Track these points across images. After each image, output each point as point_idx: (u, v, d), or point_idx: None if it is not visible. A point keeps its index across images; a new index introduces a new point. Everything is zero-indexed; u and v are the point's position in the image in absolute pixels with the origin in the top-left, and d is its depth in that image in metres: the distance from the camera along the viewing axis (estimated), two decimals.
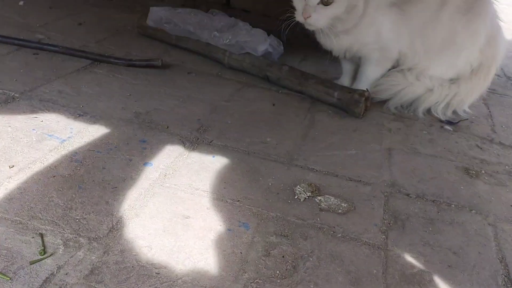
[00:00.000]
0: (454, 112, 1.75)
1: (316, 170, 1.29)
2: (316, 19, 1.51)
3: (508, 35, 3.12)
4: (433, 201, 1.23)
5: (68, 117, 1.34)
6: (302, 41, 2.25)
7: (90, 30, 2.04)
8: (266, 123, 1.51)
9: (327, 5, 1.48)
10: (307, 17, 1.50)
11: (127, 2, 2.46)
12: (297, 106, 1.67)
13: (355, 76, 1.83)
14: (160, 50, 1.95)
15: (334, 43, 1.64)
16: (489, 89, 2.08)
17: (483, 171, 1.41)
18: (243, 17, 2.28)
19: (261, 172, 1.24)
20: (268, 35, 1.91)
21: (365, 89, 1.66)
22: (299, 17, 1.54)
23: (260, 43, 1.76)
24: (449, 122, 1.68)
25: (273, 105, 1.65)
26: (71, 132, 1.27)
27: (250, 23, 2.29)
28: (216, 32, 1.76)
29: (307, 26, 1.56)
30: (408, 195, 1.24)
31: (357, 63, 1.79)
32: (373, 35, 1.62)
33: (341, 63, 1.86)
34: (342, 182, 1.25)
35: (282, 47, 1.94)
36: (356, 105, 1.61)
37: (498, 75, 2.29)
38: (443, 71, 1.73)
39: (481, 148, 1.56)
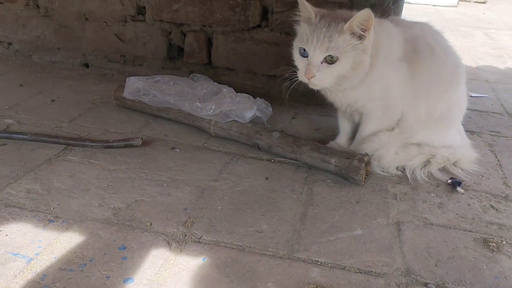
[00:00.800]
0: (461, 169, 1.62)
1: (321, 263, 1.14)
2: (320, 79, 1.39)
3: (501, 64, 3.04)
4: None
5: (37, 226, 1.19)
6: (291, 95, 2.15)
7: (63, 107, 1.91)
8: (260, 204, 1.37)
9: (331, 64, 1.37)
10: (311, 77, 1.38)
11: (105, 70, 2.34)
12: (292, 177, 1.53)
13: (353, 136, 1.70)
14: (141, 124, 1.82)
15: (339, 99, 1.52)
16: (493, 132, 1.97)
17: (504, 242, 1.27)
18: (227, 75, 2.19)
19: (259, 274, 1.09)
20: (255, 97, 1.80)
21: (365, 153, 1.53)
22: (302, 76, 1.42)
23: (247, 109, 1.64)
24: (456, 183, 1.54)
25: (266, 179, 1.51)
26: (40, 247, 1.12)
27: (235, 81, 2.19)
28: (198, 103, 1.63)
29: (311, 86, 1.45)
30: (426, 285, 1.09)
31: (355, 122, 1.67)
32: (380, 91, 1.51)
33: (338, 121, 1.74)
34: (351, 277, 1.10)
35: (271, 109, 1.82)
36: (356, 172, 1.48)
37: (500, 114, 2.18)
38: (440, 139, 1.64)
39: (496, 210, 1.42)
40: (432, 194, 1.49)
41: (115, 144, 1.59)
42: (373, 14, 1.30)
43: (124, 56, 2.32)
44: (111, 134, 1.73)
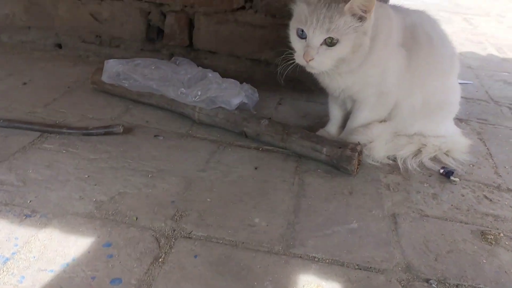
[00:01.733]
0: (453, 158, 1.59)
1: (318, 260, 1.09)
2: (319, 61, 1.32)
3: (482, 51, 3.04)
4: (456, 286, 1.05)
5: (12, 221, 1.10)
6: (276, 81, 2.08)
7: (36, 91, 1.79)
8: (251, 196, 1.31)
9: (331, 46, 1.30)
10: (310, 60, 1.31)
11: (79, 51, 2.21)
12: (282, 167, 1.47)
13: (343, 124, 1.65)
14: (121, 109, 1.72)
15: (335, 83, 1.46)
16: (480, 119, 1.95)
17: (501, 234, 1.24)
18: (209, 59, 2.10)
19: (255, 272, 1.03)
20: (241, 82, 1.72)
21: (357, 142, 1.48)
22: (299, 59, 1.35)
23: (234, 96, 1.56)
24: (448, 172, 1.51)
25: (256, 168, 1.45)
26: (16, 245, 1.03)
27: (217, 65, 2.10)
28: (182, 89, 1.55)
29: (309, 69, 1.38)
30: (428, 281, 1.06)
31: (347, 109, 1.62)
32: (378, 75, 1.45)
33: (329, 108, 1.68)
34: (351, 273, 1.05)
35: (257, 95, 1.75)
36: (349, 162, 1.43)
37: (486, 101, 2.17)
38: (436, 129, 1.61)
39: (490, 200, 1.40)
40: (425, 185, 1.45)
41: (94, 131, 1.49)
42: None
43: (100, 36, 2.19)
44: (90, 120, 1.62)
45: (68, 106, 1.70)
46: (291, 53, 1.39)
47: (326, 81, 1.49)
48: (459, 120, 1.87)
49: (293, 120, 1.80)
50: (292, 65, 1.40)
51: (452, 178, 1.48)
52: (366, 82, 1.46)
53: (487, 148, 1.72)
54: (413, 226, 1.24)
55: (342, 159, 1.44)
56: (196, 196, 1.28)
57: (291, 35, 1.38)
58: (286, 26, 1.96)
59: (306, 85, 2.07)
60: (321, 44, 1.30)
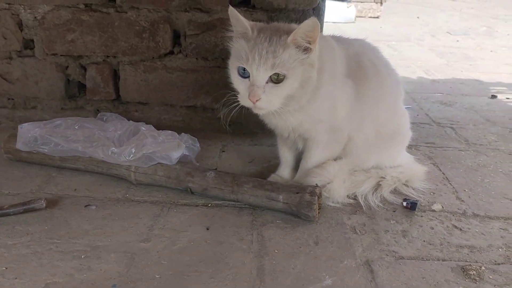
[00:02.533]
0: (413, 188, 1.51)
1: None
2: (267, 101, 1.19)
3: (412, 74, 3.08)
4: None
5: None
6: (215, 127, 1.94)
7: None
8: (206, 263, 1.13)
9: (278, 83, 1.18)
10: (257, 101, 1.18)
11: None
12: (237, 223, 1.31)
13: (295, 166, 1.52)
14: (41, 179, 1.50)
15: (283, 122, 1.33)
16: (428, 143, 1.91)
17: (482, 267, 1.14)
18: (140, 111, 1.93)
19: None
20: (179, 133, 1.56)
21: (315, 185, 1.35)
22: (244, 100, 1.21)
23: (173, 149, 1.40)
24: (411, 204, 1.42)
25: (207, 229, 1.28)
26: None
27: (150, 117, 1.94)
28: (113, 148, 1.36)
29: (256, 111, 1.25)
30: None
31: (298, 149, 1.50)
32: (327, 111, 1.35)
33: (278, 151, 1.55)
34: None
35: (198, 144, 1.59)
36: (310, 207, 1.30)
37: (429, 124, 2.15)
38: (393, 160, 1.55)
39: (460, 229, 1.32)
40: (392, 221, 1.35)
41: (11, 210, 1.26)
42: (319, 24, 1.14)
43: (13, 99, 1.95)
44: (5, 197, 1.39)
45: None
46: (234, 95, 1.26)
47: (274, 122, 1.37)
48: (408, 147, 1.81)
49: (240, 167, 1.66)
50: (237, 108, 1.26)
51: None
52: (316, 118, 1.35)
53: (443, 173, 1.65)
54: (391, 273, 1.12)
55: (302, 205, 1.30)
56: (142, 274, 1.08)
57: (232, 75, 1.25)
58: (220, 68, 1.87)
59: (249, 128, 1.95)
60: (267, 82, 1.18)
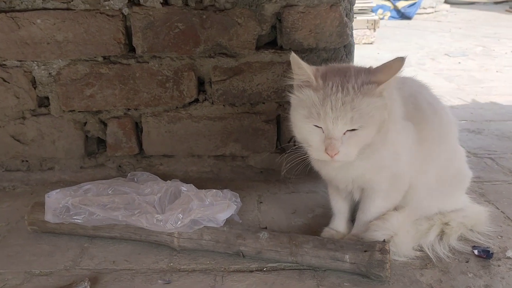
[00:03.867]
0: (479, 233, 1.40)
1: None
2: (346, 153, 1.08)
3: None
4: None
5: None
6: (246, 176, 1.82)
7: None
8: None
9: (354, 130, 1.07)
10: (335, 154, 1.06)
11: (1, 183, 1.80)
12: None
13: (351, 217, 1.40)
14: (74, 252, 1.35)
15: (344, 173, 1.22)
16: (474, 178, 1.80)
17: None
18: (165, 164, 1.81)
19: None
20: (206, 184, 1.45)
21: (383, 240, 1.23)
22: (319, 154, 1.10)
23: (222, 210, 1.27)
24: (484, 253, 1.30)
25: None
26: None
27: (175, 169, 1.82)
28: (158, 215, 1.23)
29: (331, 165, 1.14)
30: None
31: (355, 201, 1.38)
32: (391, 157, 1.22)
33: (331, 202, 1.43)
34: None
35: (239, 199, 1.47)
36: (381, 267, 1.17)
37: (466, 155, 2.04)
38: (455, 204, 1.44)
39: None
40: (469, 275, 1.23)
41: None
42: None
43: (27, 161, 1.81)
44: (37, 278, 1.24)
45: (3, 263, 1.30)
46: (300, 148, 1.14)
47: (332, 173, 1.25)
48: None
49: (284, 220, 1.54)
50: (303, 160, 1.14)
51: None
52: (380, 166, 1.23)
53: (502, 212, 1.55)
54: None
55: (373, 264, 1.18)
56: None
57: (300, 125, 1.12)
58: (249, 113, 1.76)
59: (280, 174, 1.83)
60: (344, 133, 1.07)
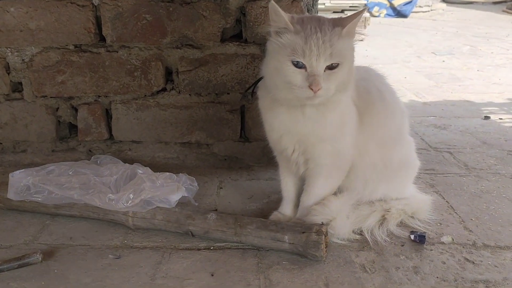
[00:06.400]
0: (419, 220, 1.48)
1: None
2: (326, 88, 1.19)
3: (403, 97, 3.08)
4: None
5: None
6: (211, 163, 1.90)
7: None
8: None
9: (332, 69, 1.19)
10: (319, 89, 1.17)
11: None
12: (242, 266, 1.26)
13: (298, 202, 1.48)
14: (35, 228, 1.43)
15: (296, 125, 1.31)
16: (428, 170, 1.89)
17: None
18: (134, 149, 1.88)
19: None
20: (173, 169, 1.52)
21: (321, 223, 1.31)
22: (303, 91, 1.19)
23: (172, 192, 1.35)
24: (419, 237, 1.38)
25: (212, 275, 1.23)
26: None
27: (143, 155, 1.90)
28: (111, 195, 1.31)
29: (313, 100, 1.22)
30: None
31: (300, 183, 1.47)
32: (337, 127, 1.33)
33: (281, 184, 1.52)
34: None
35: (196, 184, 1.55)
36: (317, 247, 1.25)
37: (426, 149, 2.13)
38: (401, 192, 1.52)
39: (473, 263, 1.28)
40: (401, 257, 1.31)
41: (5, 267, 1.20)
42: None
43: (1, 143, 1.90)
44: None
45: None
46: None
47: (283, 127, 1.34)
48: None
49: (240, 204, 1.62)
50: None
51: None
52: (326, 132, 1.32)
53: (447, 201, 1.63)
54: None
55: (309, 245, 1.26)
56: None
57: (283, 68, 1.20)
58: (214, 103, 1.84)
59: (244, 162, 1.92)
60: (324, 70, 1.18)
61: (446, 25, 7.33)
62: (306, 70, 1.18)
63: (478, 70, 4.01)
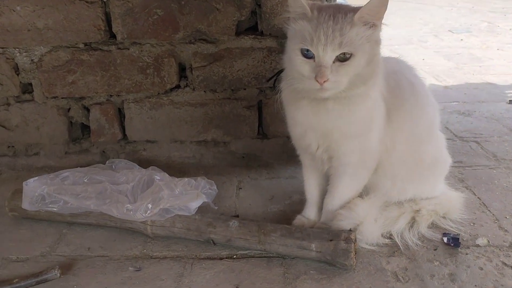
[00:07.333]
0: (451, 220, 1.41)
1: None
2: (335, 81, 1.11)
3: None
4: None
5: None
6: (228, 162, 1.84)
7: None
8: None
9: (344, 61, 1.10)
10: (325, 81, 1.09)
11: None
12: (267, 277, 1.21)
13: (322, 205, 1.41)
14: (52, 238, 1.39)
15: (318, 120, 1.23)
16: (456, 162, 1.80)
17: None
18: (149, 149, 1.83)
19: None
20: (189, 169, 1.47)
21: (349, 229, 1.25)
22: (310, 83, 1.12)
23: (192, 199, 1.29)
24: (453, 241, 1.31)
25: (237, 287, 1.17)
26: None
27: (158, 155, 1.84)
28: (128, 205, 1.26)
29: (321, 94, 1.14)
30: None
31: (324, 185, 1.40)
32: (364, 124, 1.24)
33: (305, 186, 1.45)
34: None
35: (215, 187, 1.49)
36: (346, 256, 1.19)
37: (451, 139, 2.04)
38: (431, 191, 1.44)
39: (511, 267, 1.21)
40: (435, 263, 1.24)
41: (22, 284, 1.15)
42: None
43: (13, 146, 1.85)
44: (14, 264, 1.28)
45: None
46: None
47: (306, 121, 1.25)
48: None
49: (260, 207, 1.56)
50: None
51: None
52: (353, 128, 1.24)
53: (478, 198, 1.55)
54: None
55: (338, 253, 1.20)
56: None
57: (293, 57, 1.15)
58: (230, 99, 1.77)
59: (263, 159, 1.85)
60: (333, 62, 1.10)
61: (461, 0, 7.10)
62: (314, 61, 1.11)
63: (498, 49, 3.87)
